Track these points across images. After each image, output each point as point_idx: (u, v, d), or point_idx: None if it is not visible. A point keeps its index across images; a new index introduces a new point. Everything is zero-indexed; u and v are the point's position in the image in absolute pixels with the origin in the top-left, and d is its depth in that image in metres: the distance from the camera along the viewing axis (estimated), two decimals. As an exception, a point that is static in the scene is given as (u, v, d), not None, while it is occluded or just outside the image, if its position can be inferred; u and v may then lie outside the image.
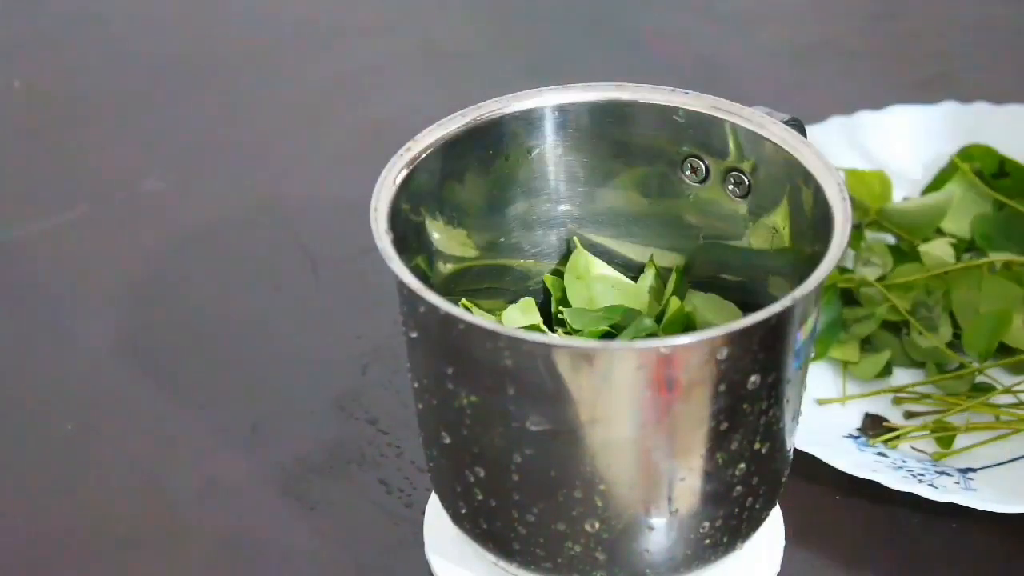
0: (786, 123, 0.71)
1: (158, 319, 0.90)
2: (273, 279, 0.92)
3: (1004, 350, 0.84)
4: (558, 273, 0.77)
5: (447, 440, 0.67)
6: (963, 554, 0.76)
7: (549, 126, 0.73)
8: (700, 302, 0.75)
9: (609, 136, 0.74)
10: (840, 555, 0.76)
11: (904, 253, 0.88)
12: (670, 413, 0.63)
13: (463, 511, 0.69)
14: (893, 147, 0.95)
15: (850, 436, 0.80)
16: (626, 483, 0.65)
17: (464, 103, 0.72)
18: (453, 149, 0.71)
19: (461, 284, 0.74)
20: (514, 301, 0.76)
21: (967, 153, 0.93)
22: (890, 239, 0.90)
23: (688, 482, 0.65)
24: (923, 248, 0.87)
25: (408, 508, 0.78)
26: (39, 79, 1.09)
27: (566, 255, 0.76)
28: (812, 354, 0.69)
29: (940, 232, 0.90)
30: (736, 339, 0.62)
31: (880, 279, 0.86)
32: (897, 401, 0.82)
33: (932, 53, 1.09)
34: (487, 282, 0.75)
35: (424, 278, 0.66)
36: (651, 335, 0.74)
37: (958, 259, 0.87)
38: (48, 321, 0.89)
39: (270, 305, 0.90)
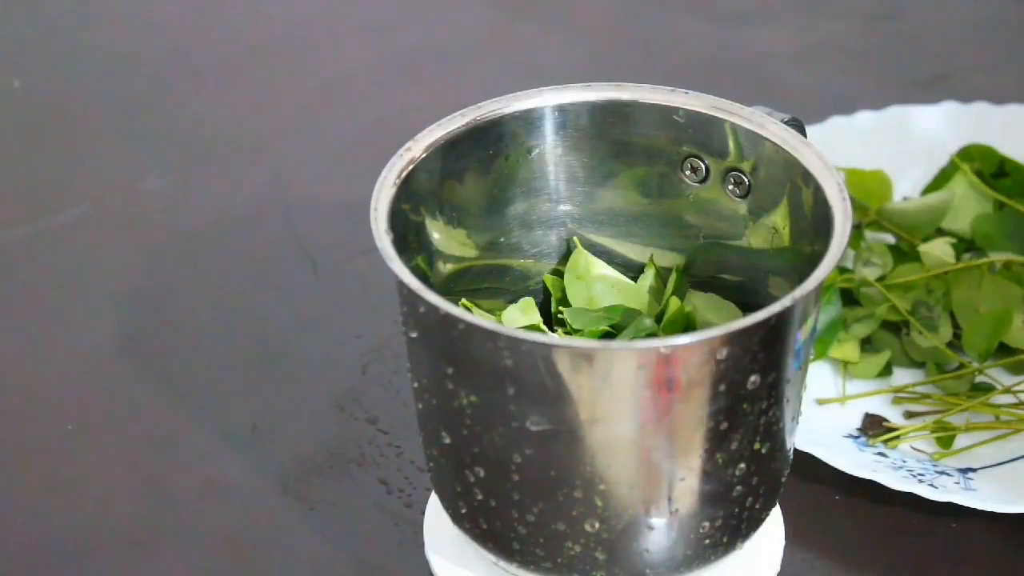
0: (786, 123, 0.71)
1: (158, 319, 0.90)
2: (273, 279, 0.92)
3: (1004, 350, 0.84)
4: (558, 273, 0.77)
5: (447, 440, 0.67)
6: (963, 554, 0.76)
7: (549, 126, 0.73)
8: (700, 302, 0.75)
9: (609, 136, 0.74)
10: (840, 555, 0.76)
11: (904, 253, 0.88)
12: (670, 413, 0.63)
13: (463, 511, 0.69)
14: (893, 147, 0.95)
15: (850, 436, 0.80)
16: (626, 483, 0.65)
17: (464, 103, 0.72)
18: (453, 149, 0.71)
19: (461, 284, 0.74)
20: (514, 301, 0.76)
21: (967, 153, 0.93)
22: (890, 239, 0.90)
23: (688, 482, 0.65)
24: (923, 248, 0.87)
25: (408, 508, 0.78)
26: (39, 79, 1.09)
27: (566, 255, 0.76)
28: (812, 354, 0.69)
29: (940, 232, 0.90)
30: (736, 339, 0.62)
31: (880, 279, 0.86)
32: (897, 401, 0.82)
33: (932, 53, 1.09)
34: (487, 282, 0.75)
35: (424, 278, 0.66)
36: (651, 335, 0.74)
37: (958, 259, 0.87)
38: (48, 321, 0.89)
39: (270, 305, 0.90)
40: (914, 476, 0.77)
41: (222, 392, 0.84)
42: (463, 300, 0.74)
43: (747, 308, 0.73)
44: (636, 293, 0.76)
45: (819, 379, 0.83)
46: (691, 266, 0.76)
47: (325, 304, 0.90)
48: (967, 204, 0.90)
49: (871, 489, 0.76)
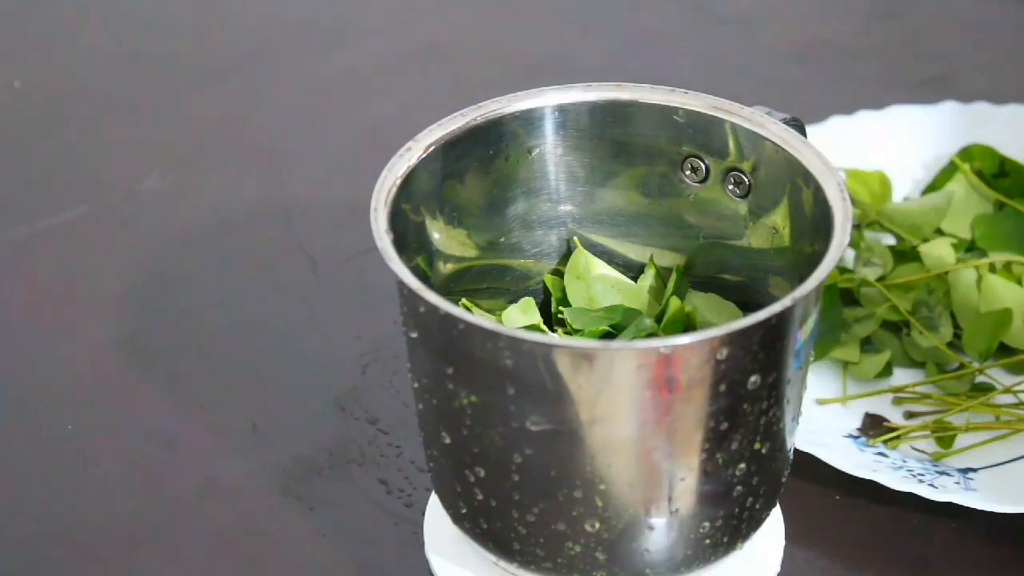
0: (786, 123, 0.71)
1: (158, 319, 0.90)
2: (273, 279, 0.92)
3: (1004, 350, 0.84)
4: (558, 273, 0.77)
5: (447, 440, 0.67)
6: (963, 554, 0.76)
7: (549, 126, 0.73)
8: (700, 302, 0.75)
9: (609, 136, 0.74)
10: (840, 555, 0.76)
11: (904, 253, 0.88)
12: (670, 413, 0.63)
13: (463, 511, 0.69)
14: (893, 147, 0.95)
15: (850, 436, 0.80)
16: (626, 483, 0.65)
17: (464, 103, 0.72)
18: (453, 149, 0.71)
19: (461, 284, 0.74)
20: (514, 301, 0.76)
21: (967, 153, 0.93)
22: (890, 239, 0.90)
23: (688, 482, 0.65)
24: (923, 248, 0.87)
25: (408, 508, 0.78)
26: (39, 79, 1.09)
27: (566, 255, 0.76)
28: (812, 355, 0.69)
29: (940, 232, 0.90)
30: (736, 339, 0.62)
31: (880, 279, 0.86)
32: (897, 401, 0.82)
33: (932, 53, 1.09)
34: (487, 282, 0.75)
35: (424, 278, 0.66)
36: (651, 335, 0.74)
37: (958, 259, 0.87)
38: (48, 321, 0.89)
39: (270, 305, 0.90)
40: (914, 476, 0.77)
41: (222, 392, 0.84)
42: (463, 300, 0.74)
43: (747, 308, 0.73)
44: (636, 293, 0.76)
45: (819, 379, 0.83)
46: (691, 266, 0.76)
47: (325, 304, 0.90)
48: (967, 204, 0.90)
49: (871, 489, 0.76)
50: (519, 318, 0.75)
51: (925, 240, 0.89)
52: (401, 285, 0.65)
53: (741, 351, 0.62)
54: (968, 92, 0.99)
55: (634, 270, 0.77)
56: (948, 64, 1.08)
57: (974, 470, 0.78)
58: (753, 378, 0.64)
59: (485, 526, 0.68)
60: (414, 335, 0.67)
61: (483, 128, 0.72)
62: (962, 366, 0.83)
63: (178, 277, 0.93)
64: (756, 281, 0.73)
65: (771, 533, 0.74)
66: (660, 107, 0.73)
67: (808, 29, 1.13)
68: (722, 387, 0.63)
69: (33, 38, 1.13)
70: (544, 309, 0.76)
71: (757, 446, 0.66)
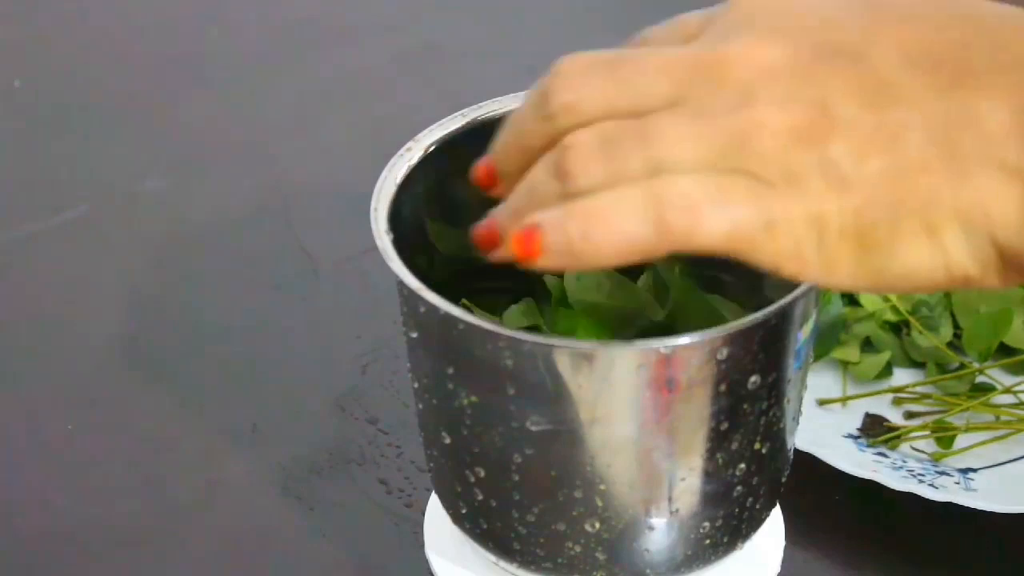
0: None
1: (158, 319, 0.90)
2: (273, 279, 0.92)
3: (1004, 350, 0.84)
4: (558, 273, 0.76)
5: (447, 440, 0.67)
6: (963, 554, 0.76)
7: (549, 126, 0.73)
8: (703, 302, 0.75)
9: (609, 136, 0.74)
10: (840, 555, 0.76)
11: None
12: (670, 413, 0.63)
13: (463, 511, 0.69)
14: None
15: (850, 436, 0.80)
16: (626, 483, 0.65)
17: (464, 103, 0.72)
18: (453, 149, 0.71)
19: (461, 284, 0.74)
20: (514, 301, 0.76)
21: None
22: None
23: (688, 482, 0.65)
24: None
25: (408, 508, 0.78)
26: (39, 79, 1.09)
27: (566, 255, 0.76)
28: (812, 355, 0.69)
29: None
30: (736, 339, 0.62)
31: None
32: (897, 402, 0.82)
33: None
34: (487, 282, 0.75)
35: (424, 278, 0.66)
36: (651, 335, 0.74)
37: None
38: (48, 321, 0.89)
39: (270, 305, 0.90)
40: (914, 476, 0.77)
41: (222, 392, 0.84)
42: (463, 300, 0.73)
43: (748, 308, 0.73)
44: (636, 293, 0.76)
45: (820, 379, 0.83)
46: (691, 266, 0.76)
47: (325, 304, 0.90)
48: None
49: (871, 489, 0.76)
50: (519, 318, 0.75)
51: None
52: (401, 285, 0.65)
53: (741, 351, 0.62)
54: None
55: (634, 270, 0.77)
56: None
57: (974, 470, 0.78)
58: (753, 378, 0.64)
59: (485, 526, 0.68)
60: (414, 335, 0.66)
61: (483, 128, 0.72)
62: (962, 366, 0.83)
63: (178, 277, 0.93)
64: (756, 281, 0.73)
65: (771, 533, 0.74)
66: (660, 107, 0.72)
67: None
68: (722, 387, 0.63)
69: (33, 38, 1.13)
70: (544, 309, 0.76)
71: (757, 446, 0.66)
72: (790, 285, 0.64)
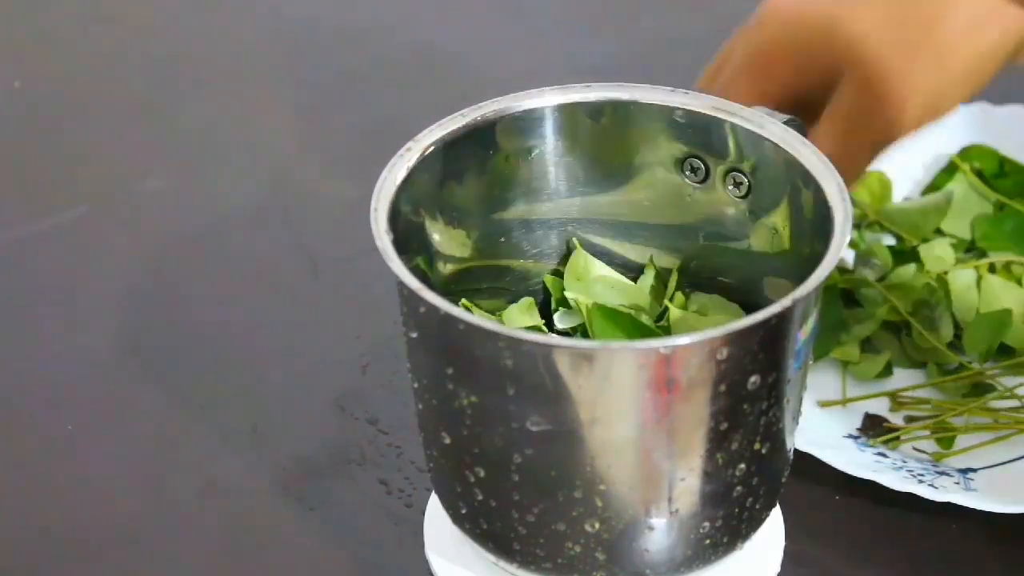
0: (786, 123, 0.71)
1: (158, 319, 0.90)
2: (273, 279, 0.92)
3: (1005, 350, 0.84)
4: (558, 273, 0.77)
5: (447, 440, 0.67)
6: (963, 554, 0.76)
7: (549, 126, 0.73)
8: (704, 303, 0.75)
9: (609, 136, 0.74)
10: (840, 555, 0.76)
11: (904, 253, 0.88)
12: (670, 413, 0.63)
13: (463, 511, 0.69)
14: (893, 147, 0.95)
15: (850, 436, 0.80)
16: (626, 483, 0.65)
17: (464, 103, 0.72)
18: (453, 149, 0.71)
19: (461, 284, 0.74)
20: (514, 301, 0.76)
21: (967, 153, 0.93)
22: (890, 239, 0.90)
23: (688, 482, 0.65)
24: (923, 248, 0.87)
25: (408, 508, 0.78)
26: (39, 79, 1.09)
27: (566, 255, 0.76)
28: (812, 355, 0.69)
29: (940, 232, 0.90)
30: (736, 339, 0.62)
31: (880, 279, 0.86)
32: (896, 407, 0.82)
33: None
34: (487, 282, 0.75)
35: (424, 278, 0.66)
36: (650, 335, 0.74)
37: (957, 259, 0.87)
38: (48, 321, 0.89)
39: (270, 305, 0.90)
40: (914, 476, 0.77)
41: (222, 392, 0.84)
42: (463, 300, 0.74)
43: (747, 309, 0.73)
44: (636, 293, 0.76)
45: (820, 379, 0.83)
46: (691, 267, 0.76)
47: (325, 304, 0.90)
48: (967, 204, 0.90)
49: (871, 489, 0.76)
50: (519, 318, 0.75)
51: (925, 240, 0.89)
52: (401, 285, 0.65)
53: (741, 351, 0.62)
54: (968, 92, 0.99)
55: (634, 270, 0.77)
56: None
57: (974, 470, 0.78)
58: (753, 378, 0.64)
59: (485, 526, 0.68)
60: (414, 335, 0.67)
61: (483, 128, 0.72)
62: (962, 366, 0.83)
63: (178, 277, 0.93)
64: (756, 282, 0.73)
65: (771, 533, 0.74)
66: (660, 107, 0.73)
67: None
68: (722, 387, 0.63)
69: (33, 38, 1.13)
70: (544, 309, 0.76)
71: (757, 446, 0.66)
72: (790, 285, 0.64)
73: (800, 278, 0.64)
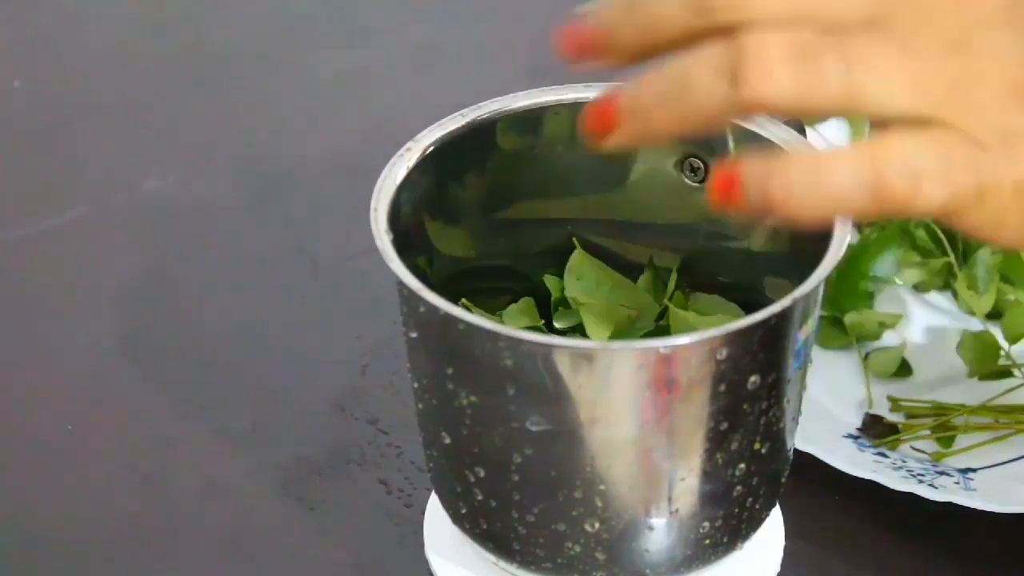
0: (786, 123, 0.71)
1: (158, 319, 0.90)
2: (273, 279, 0.92)
3: None
4: (558, 273, 0.77)
5: (447, 440, 0.67)
6: (963, 554, 0.76)
7: (549, 126, 0.73)
8: (703, 303, 0.75)
9: (609, 136, 0.74)
10: (840, 555, 0.76)
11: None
12: (670, 413, 0.63)
13: (463, 511, 0.69)
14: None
15: (850, 436, 0.80)
16: (626, 483, 0.65)
17: (464, 103, 0.72)
18: (453, 149, 0.71)
19: (461, 284, 0.74)
20: (514, 301, 0.76)
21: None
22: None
23: (688, 482, 0.65)
24: None
25: (408, 508, 0.78)
26: (39, 79, 1.09)
27: (566, 255, 0.76)
28: (811, 356, 0.69)
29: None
30: (736, 339, 0.62)
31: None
32: (896, 407, 0.82)
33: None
34: (487, 282, 0.75)
35: (424, 278, 0.66)
36: (649, 334, 0.74)
37: None
38: (48, 321, 0.89)
39: (270, 305, 0.90)
40: (914, 476, 0.77)
41: (222, 392, 0.84)
42: (463, 300, 0.74)
43: (747, 309, 0.73)
44: (636, 293, 0.76)
45: (832, 367, 0.82)
46: (691, 266, 0.76)
47: (325, 304, 0.90)
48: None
49: (871, 489, 0.76)
50: (519, 318, 0.75)
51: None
52: (401, 285, 0.65)
53: (741, 351, 0.62)
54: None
55: (634, 270, 0.77)
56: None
57: (974, 470, 0.78)
58: (753, 378, 0.64)
59: (485, 526, 0.68)
60: (414, 335, 0.66)
61: (483, 128, 0.72)
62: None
63: (178, 277, 0.93)
64: (756, 281, 0.73)
65: (771, 533, 0.74)
66: (660, 107, 0.72)
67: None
68: (722, 387, 0.63)
69: (33, 38, 1.13)
70: (544, 309, 0.76)
71: (757, 446, 0.66)
72: (790, 285, 0.64)
73: (800, 278, 0.64)
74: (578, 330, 0.75)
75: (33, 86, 1.08)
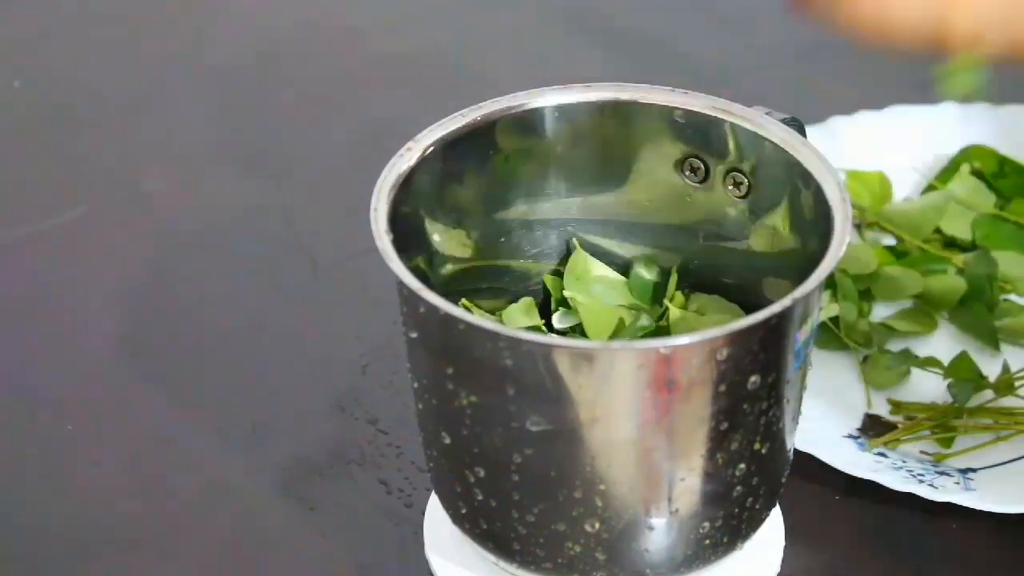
0: (786, 123, 0.71)
1: (158, 319, 0.90)
2: (273, 279, 0.92)
3: None
4: (558, 273, 0.77)
5: (447, 440, 0.67)
6: (963, 554, 0.76)
7: (549, 126, 0.73)
8: (704, 303, 0.75)
9: (609, 136, 0.74)
10: (840, 555, 0.76)
11: (904, 253, 0.88)
12: (670, 413, 0.63)
13: (463, 511, 0.69)
14: (893, 147, 0.95)
15: (850, 436, 0.80)
16: (626, 483, 0.65)
17: (464, 103, 0.72)
18: (453, 149, 0.71)
19: (461, 284, 0.74)
20: (514, 301, 0.76)
21: (967, 153, 0.93)
22: (890, 239, 0.90)
23: (688, 482, 0.65)
24: None
25: (408, 508, 0.78)
26: (39, 79, 1.09)
27: (566, 255, 0.76)
28: (811, 359, 0.69)
29: (940, 232, 0.90)
30: (736, 339, 0.62)
31: None
32: (896, 407, 0.82)
33: (932, 53, 1.09)
34: (487, 282, 0.75)
35: (424, 278, 0.66)
36: (649, 334, 0.74)
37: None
38: (48, 321, 0.89)
39: (270, 305, 0.90)
40: (914, 476, 0.77)
41: (222, 392, 0.84)
42: (463, 300, 0.74)
43: (747, 309, 0.73)
44: (636, 293, 0.76)
45: (832, 371, 0.82)
46: (691, 267, 0.76)
47: (325, 304, 0.90)
48: (967, 204, 0.90)
49: (871, 489, 0.76)
50: (519, 318, 0.75)
51: (925, 240, 0.89)
52: (401, 285, 0.65)
53: (741, 351, 0.62)
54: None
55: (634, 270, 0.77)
56: (948, 64, 1.07)
57: (974, 470, 0.78)
58: (753, 378, 0.64)
59: (485, 526, 0.68)
60: (414, 335, 0.67)
61: (483, 128, 0.72)
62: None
63: (178, 277, 0.93)
64: (756, 282, 0.73)
65: (771, 533, 0.74)
66: (660, 107, 0.73)
67: (808, 29, 1.12)
68: (722, 387, 0.63)
69: (33, 38, 1.13)
70: (544, 309, 0.76)
71: (757, 446, 0.66)
72: (790, 285, 0.64)
73: (800, 278, 0.64)
74: (578, 330, 0.75)
75: (33, 86, 1.08)
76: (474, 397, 0.64)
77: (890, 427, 0.81)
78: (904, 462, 0.78)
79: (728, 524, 0.68)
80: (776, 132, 0.70)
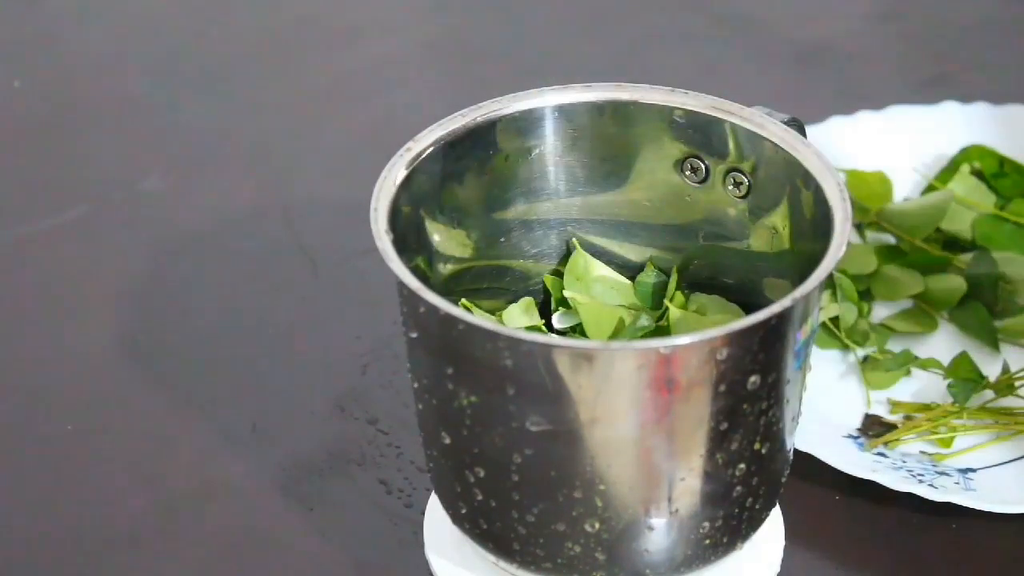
0: (786, 123, 0.71)
1: (158, 319, 0.90)
2: (273, 279, 0.92)
3: None
4: (558, 273, 0.77)
5: (447, 440, 0.67)
6: (963, 554, 0.76)
7: (549, 126, 0.73)
8: (704, 303, 0.75)
9: (609, 136, 0.74)
10: (840, 555, 0.76)
11: (904, 253, 0.88)
12: (670, 413, 0.63)
13: (463, 511, 0.69)
14: (893, 147, 0.95)
15: (850, 436, 0.80)
16: (626, 483, 0.65)
17: (464, 103, 0.72)
18: (453, 149, 0.71)
19: (461, 284, 0.74)
20: (514, 301, 0.76)
21: (967, 153, 0.93)
22: (890, 239, 0.90)
23: (688, 482, 0.65)
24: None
25: (408, 508, 0.78)
26: (39, 79, 1.09)
27: (566, 255, 0.76)
28: (810, 359, 0.69)
29: (940, 232, 0.90)
30: (736, 339, 0.62)
31: None
32: (896, 407, 0.82)
33: (932, 53, 1.09)
34: (487, 282, 0.75)
35: (424, 278, 0.66)
36: (649, 334, 0.74)
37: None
38: (48, 321, 0.89)
39: (270, 305, 0.90)
40: (914, 476, 0.77)
41: (222, 392, 0.84)
42: (463, 300, 0.74)
43: (747, 309, 0.73)
44: (636, 293, 0.76)
45: (831, 371, 0.82)
46: (691, 267, 0.76)
47: (325, 304, 0.90)
48: (967, 204, 0.90)
49: (871, 489, 0.76)
50: (519, 318, 0.75)
51: (926, 240, 0.89)
52: (401, 285, 0.65)
53: (741, 351, 0.63)
54: (968, 92, 0.99)
55: (634, 270, 0.77)
56: (948, 64, 1.08)
57: (974, 470, 0.78)
58: (753, 378, 0.64)
59: (485, 526, 0.68)
60: (414, 335, 0.67)
61: (483, 128, 0.72)
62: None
63: (178, 277, 0.93)
64: (756, 282, 0.73)
65: (771, 533, 0.74)
66: (660, 107, 0.73)
67: (808, 29, 1.12)
68: (722, 387, 0.63)
69: (33, 38, 1.13)
70: (544, 309, 0.76)
71: (757, 446, 0.66)
72: (790, 286, 0.64)
73: (800, 278, 0.64)
74: (578, 330, 0.75)
75: (33, 86, 1.08)
76: (474, 397, 0.64)
77: (890, 427, 0.81)
78: (904, 462, 0.78)
79: (728, 524, 0.68)
80: (776, 132, 0.70)
